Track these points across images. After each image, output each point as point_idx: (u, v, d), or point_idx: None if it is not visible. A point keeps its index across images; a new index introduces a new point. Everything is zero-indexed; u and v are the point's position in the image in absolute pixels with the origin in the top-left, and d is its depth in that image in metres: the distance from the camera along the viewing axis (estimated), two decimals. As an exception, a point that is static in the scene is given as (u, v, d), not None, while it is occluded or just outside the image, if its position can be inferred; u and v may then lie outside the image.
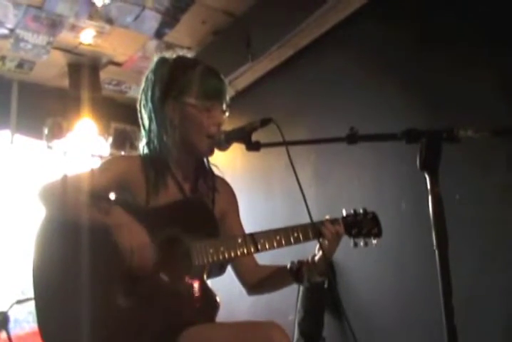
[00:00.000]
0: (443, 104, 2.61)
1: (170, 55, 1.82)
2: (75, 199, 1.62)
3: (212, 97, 1.71)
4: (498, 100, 2.36)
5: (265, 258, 1.81)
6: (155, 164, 1.72)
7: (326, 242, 1.67)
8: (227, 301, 1.65)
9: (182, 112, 1.70)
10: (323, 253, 1.65)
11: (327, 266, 1.72)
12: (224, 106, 1.74)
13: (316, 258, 1.69)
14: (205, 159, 1.83)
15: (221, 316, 1.63)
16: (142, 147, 1.78)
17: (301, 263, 1.73)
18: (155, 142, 1.74)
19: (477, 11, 2.51)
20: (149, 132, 1.76)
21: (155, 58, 1.82)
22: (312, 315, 2.75)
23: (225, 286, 1.87)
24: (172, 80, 1.73)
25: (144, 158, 1.75)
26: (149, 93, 1.76)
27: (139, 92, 1.82)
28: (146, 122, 1.77)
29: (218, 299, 1.62)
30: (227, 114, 1.75)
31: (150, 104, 1.75)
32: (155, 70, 1.78)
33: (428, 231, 1.18)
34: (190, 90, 1.70)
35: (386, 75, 2.95)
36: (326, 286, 1.70)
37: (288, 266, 1.75)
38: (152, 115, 1.74)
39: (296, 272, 1.72)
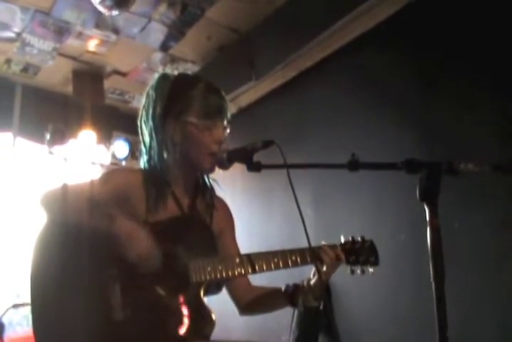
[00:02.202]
0: (440, 137, 2.63)
1: (172, 71, 1.82)
2: (77, 207, 1.61)
3: (213, 116, 1.71)
4: (495, 136, 2.37)
5: (261, 279, 1.80)
6: (155, 181, 1.72)
7: (324, 267, 1.67)
8: (221, 319, 1.65)
9: (183, 130, 1.70)
10: (319, 278, 1.65)
11: (323, 290, 1.72)
12: (225, 123, 1.74)
13: (312, 282, 1.68)
14: (206, 176, 1.84)
15: (215, 334, 1.63)
16: (143, 163, 1.78)
17: (296, 287, 1.72)
18: (156, 159, 1.74)
19: (476, 47, 2.53)
20: (149, 149, 1.76)
21: (156, 75, 1.82)
22: (306, 337, 2.72)
23: (219, 304, 1.87)
24: (173, 98, 1.73)
25: (145, 173, 1.75)
26: (150, 110, 1.75)
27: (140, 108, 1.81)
28: (147, 138, 1.77)
29: (214, 317, 1.62)
30: (228, 131, 1.75)
31: (150, 121, 1.75)
32: (156, 87, 1.77)
33: (425, 261, 1.18)
34: (191, 108, 1.70)
35: (386, 103, 2.96)
36: (321, 307, 1.69)
37: (283, 288, 1.75)
38: (153, 132, 1.74)
39: (290, 295, 1.72)
